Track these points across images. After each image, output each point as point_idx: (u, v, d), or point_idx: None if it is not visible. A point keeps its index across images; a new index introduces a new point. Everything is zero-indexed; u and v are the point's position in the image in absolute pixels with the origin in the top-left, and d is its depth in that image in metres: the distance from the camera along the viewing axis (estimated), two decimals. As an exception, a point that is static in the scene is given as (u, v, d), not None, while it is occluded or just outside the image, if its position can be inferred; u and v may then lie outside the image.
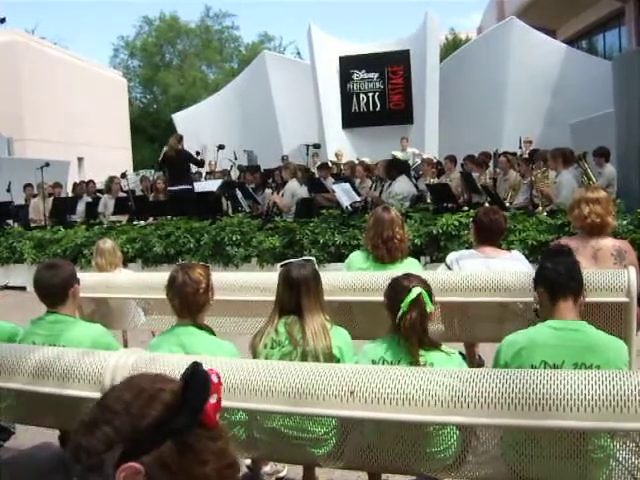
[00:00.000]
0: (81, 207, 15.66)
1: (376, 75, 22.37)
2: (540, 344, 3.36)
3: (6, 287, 13.00)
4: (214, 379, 1.39)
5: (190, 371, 1.39)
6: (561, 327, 3.37)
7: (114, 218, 14.48)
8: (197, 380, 1.37)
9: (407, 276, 3.76)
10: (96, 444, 1.34)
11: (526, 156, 14.43)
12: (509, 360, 3.36)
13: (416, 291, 3.52)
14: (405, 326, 3.49)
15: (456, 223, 10.02)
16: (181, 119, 26.81)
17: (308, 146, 16.28)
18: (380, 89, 22.39)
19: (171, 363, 3.37)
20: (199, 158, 14.67)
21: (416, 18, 30.50)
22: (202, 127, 24.06)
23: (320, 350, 3.76)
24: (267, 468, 4.54)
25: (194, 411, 1.34)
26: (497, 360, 3.49)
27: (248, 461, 4.52)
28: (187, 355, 3.71)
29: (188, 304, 3.90)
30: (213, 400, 1.37)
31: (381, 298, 3.86)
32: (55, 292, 4.21)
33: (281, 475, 4.63)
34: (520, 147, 15.98)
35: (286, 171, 13.62)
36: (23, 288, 12.40)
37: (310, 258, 4.30)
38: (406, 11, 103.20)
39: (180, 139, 13.95)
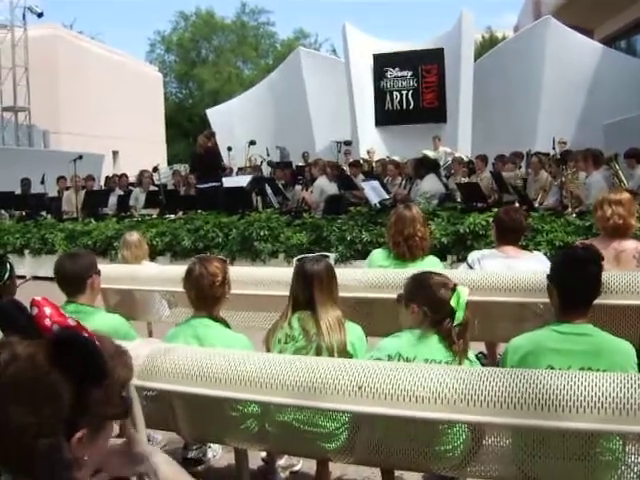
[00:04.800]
0: (113, 200, 15.80)
1: (410, 73, 22.32)
2: (546, 349, 3.31)
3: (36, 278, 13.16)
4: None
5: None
6: (568, 331, 3.32)
7: (145, 212, 14.59)
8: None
9: (436, 273, 3.80)
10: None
11: (558, 157, 14.31)
12: (515, 365, 3.31)
13: (465, 290, 3.54)
14: (462, 327, 3.51)
15: (483, 222, 9.97)
16: (215, 114, 26.90)
17: (339, 143, 16.29)
18: (414, 87, 22.34)
19: (186, 354, 3.42)
20: (229, 158, 14.69)
21: (451, 16, 30.37)
22: (235, 123, 24.16)
23: (335, 344, 3.77)
24: (281, 461, 4.57)
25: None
26: (503, 364, 3.46)
27: (263, 454, 4.55)
28: (202, 347, 3.75)
29: (204, 296, 3.96)
30: (33, 312, 1.48)
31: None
32: (73, 281, 4.27)
33: (295, 469, 4.65)
34: (553, 148, 15.86)
35: (315, 168, 13.66)
36: (53, 279, 12.51)
37: (327, 254, 4.33)
38: (441, 9, 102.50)
39: (210, 136, 14.00)
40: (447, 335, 3.50)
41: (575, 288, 3.39)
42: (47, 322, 1.47)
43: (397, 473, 4.05)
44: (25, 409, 1.38)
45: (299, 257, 4.22)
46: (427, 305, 3.57)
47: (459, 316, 3.49)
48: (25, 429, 1.37)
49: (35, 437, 1.38)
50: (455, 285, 3.60)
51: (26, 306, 1.54)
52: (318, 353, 3.75)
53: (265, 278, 5.38)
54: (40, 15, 28.68)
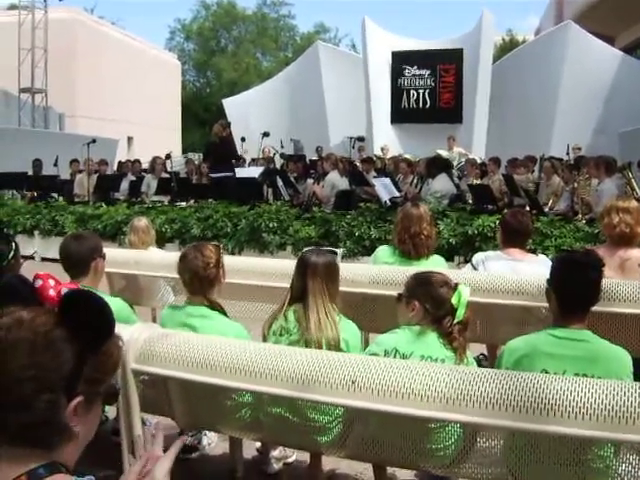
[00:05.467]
0: (125, 185, 15.79)
1: (428, 72, 22.31)
2: (541, 353, 3.30)
3: (34, 257, 13.25)
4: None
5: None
6: (564, 336, 3.31)
7: (156, 198, 14.60)
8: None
9: (438, 272, 3.81)
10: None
11: (572, 162, 14.27)
12: (510, 367, 3.31)
13: (466, 290, 3.55)
14: (462, 325, 3.52)
15: (492, 225, 9.93)
16: (231, 104, 26.93)
17: (352, 139, 16.26)
18: (431, 86, 22.33)
19: (184, 340, 3.43)
20: (242, 148, 14.68)
21: (472, 17, 30.23)
22: (251, 114, 24.16)
23: (324, 341, 3.75)
24: (275, 452, 4.57)
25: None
26: (499, 365, 3.46)
27: (258, 444, 4.57)
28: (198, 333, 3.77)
29: (199, 278, 3.98)
30: (37, 284, 1.56)
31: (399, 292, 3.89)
32: (77, 263, 4.27)
33: (289, 460, 4.66)
34: (568, 153, 15.80)
35: (327, 162, 13.64)
36: (61, 260, 12.55)
37: (335, 250, 4.32)
38: (463, 9, 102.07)
39: (226, 126, 14.00)
40: (447, 332, 3.52)
41: (573, 292, 3.38)
42: (51, 292, 1.53)
43: (389, 470, 4.06)
44: (25, 363, 1.42)
45: (307, 249, 4.22)
46: (429, 302, 3.59)
47: (459, 314, 3.50)
48: (25, 382, 1.41)
49: (36, 391, 1.42)
50: (457, 284, 3.61)
51: (29, 279, 1.59)
52: (307, 347, 3.74)
53: (273, 269, 5.39)
54: (61, -2, 28.76)
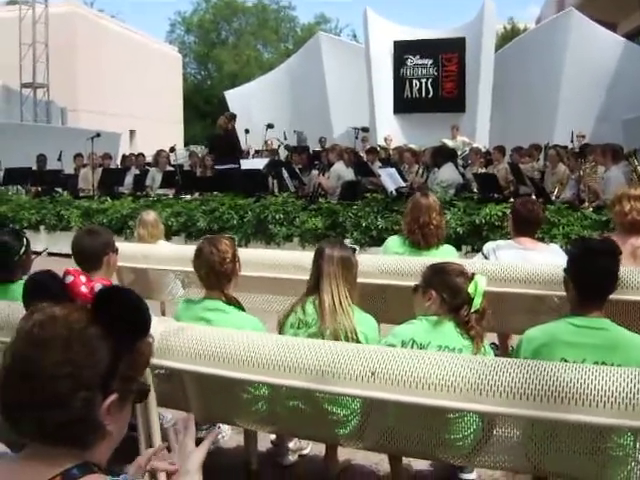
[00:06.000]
0: (129, 179, 15.78)
1: (430, 61, 22.20)
2: (560, 342, 3.29)
3: (43, 253, 13.22)
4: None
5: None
6: (583, 324, 3.30)
7: (161, 191, 14.60)
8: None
9: (454, 263, 3.82)
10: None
11: (577, 150, 14.23)
12: (529, 356, 3.29)
13: (483, 279, 3.55)
14: (479, 314, 3.52)
15: (500, 214, 9.92)
16: (233, 97, 26.86)
17: (356, 129, 16.23)
18: (433, 76, 22.23)
19: (200, 334, 3.42)
20: (246, 141, 14.64)
21: (473, 5, 30.12)
22: (253, 106, 24.08)
23: (341, 331, 3.73)
24: (291, 444, 4.57)
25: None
26: (517, 355, 3.45)
27: (273, 436, 4.56)
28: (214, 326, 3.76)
29: (215, 273, 3.95)
30: (67, 281, 1.56)
31: (415, 283, 3.89)
32: (90, 258, 4.26)
33: (304, 452, 4.66)
34: (572, 141, 15.74)
35: (333, 153, 13.63)
36: (69, 255, 12.57)
37: (354, 247, 4.31)
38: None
39: (231, 118, 13.96)
40: (464, 322, 3.51)
41: (591, 281, 3.36)
42: (83, 289, 1.51)
43: (405, 461, 4.06)
44: (60, 360, 1.40)
45: (324, 241, 4.23)
46: (445, 291, 3.59)
47: (476, 303, 3.50)
48: (60, 380, 1.40)
49: (72, 389, 1.40)
50: (473, 274, 3.62)
51: (59, 275, 1.58)
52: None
53: (281, 261, 5.39)
54: (62, -8, 28.71)
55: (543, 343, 3.33)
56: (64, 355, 1.41)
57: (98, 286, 1.52)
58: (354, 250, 4.16)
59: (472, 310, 3.52)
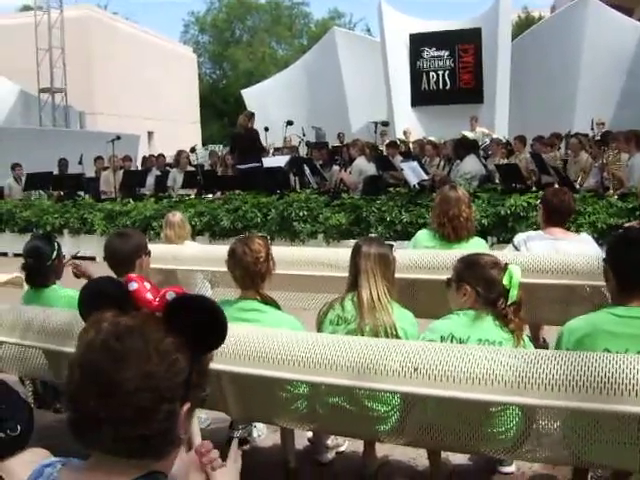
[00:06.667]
0: (150, 180, 15.83)
1: (447, 53, 22.17)
2: (603, 332, 3.24)
3: (76, 257, 13.27)
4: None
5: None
6: (625, 314, 3.25)
7: (182, 192, 14.65)
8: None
9: (486, 254, 3.78)
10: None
11: (598, 138, 14.14)
12: (571, 347, 3.26)
13: (517, 270, 3.51)
14: (517, 306, 3.50)
15: (524, 204, 9.89)
16: (250, 95, 26.94)
17: (376, 123, 16.17)
18: (450, 67, 22.18)
19: (237, 334, 3.41)
20: (266, 139, 14.65)
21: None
22: (271, 103, 24.12)
23: (380, 328, 3.72)
24: (328, 441, 4.57)
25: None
26: (558, 346, 3.41)
27: (309, 434, 4.56)
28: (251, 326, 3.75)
29: (250, 273, 3.93)
30: (132, 288, 1.52)
31: (447, 276, 3.86)
32: (122, 261, 4.26)
33: (341, 449, 4.65)
34: (592, 129, 15.66)
35: (354, 148, 13.61)
36: (93, 258, 12.63)
37: (392, 243, 4.30)
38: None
39: (250, 117, 13.96)
40: (502, 315, 3.48)
41: (631, 270, 3.33)
42: (149, 296, 1.49)
43: (443, 454, 4.05)
44: (141, 373, 1.38)
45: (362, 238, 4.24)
46: (480, 285, 3.56)
47: (512, 295, 3.46)
48: (142, 393, 1.37)
49: (155, 403, 1.39)
50: (506, 264, 3.58)
51: (121, 282, 1.56)
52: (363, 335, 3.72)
53: (313, 258, 5.39)
54: (75, -4, 28.85)
55: (586, 334, 3.29)
56: (145, 368, 1.38)
57: (171, 294, 1.49)
58: (391, 247, 4.14)
59: (509, 302, 3.48)
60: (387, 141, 16.92)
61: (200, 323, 1.46)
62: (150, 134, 37.54)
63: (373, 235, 9.89)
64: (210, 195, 13.82)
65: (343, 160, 14.69)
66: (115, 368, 1.37)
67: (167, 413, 1.40)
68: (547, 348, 5.74)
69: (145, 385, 1.37)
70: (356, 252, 3.97)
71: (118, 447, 1.40)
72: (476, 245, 5.33)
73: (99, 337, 1.42)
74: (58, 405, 4.84)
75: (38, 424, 2.94)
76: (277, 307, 4.08)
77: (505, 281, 3.49)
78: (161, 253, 6.10)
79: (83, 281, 4.39)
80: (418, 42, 22.37)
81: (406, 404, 3.36)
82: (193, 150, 16.41)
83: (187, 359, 1.44)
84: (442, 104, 21.65)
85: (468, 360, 2.92)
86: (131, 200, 14.07)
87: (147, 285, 1.52)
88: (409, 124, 21.02)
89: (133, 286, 1.51)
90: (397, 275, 4.38)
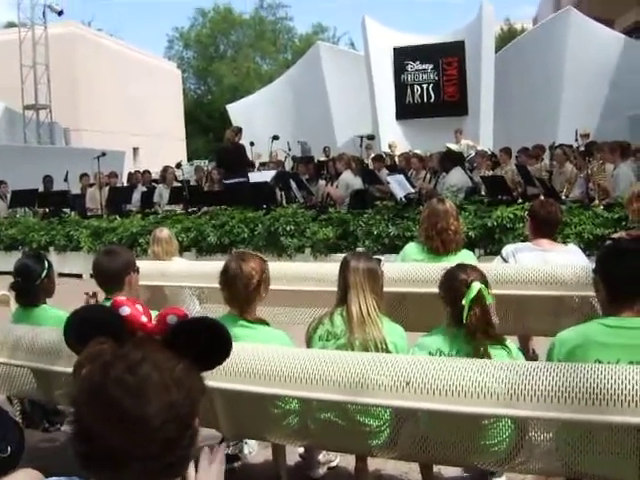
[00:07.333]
0: (136, 196, 15.84)
1: (430, 66, 22.26)
2: (594, 342, 3.23)
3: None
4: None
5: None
6: (615, 325, 3.24)
7: (169, 208, 14.63)
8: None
9: (464, 268, 3.74)
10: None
11: (582, 149, 14.21)
12: (562, 358, 3.25)
13: (476, 287, 3.48)
14: (471, 322, 3.47)
15: (511, 216, 9.94)
16: (235, 110, 26.94)
17: (362, 137, 16.21)
18: (434, 80, 22.27)
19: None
20: (252, 153, 14.65)
21: (471, 9, 30.12)
22: (256, 118, 24.12)
23: (370, 342, 3.71)
24: (320, 457, 4.55)
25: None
26: (550, 357, 3.40)
27: (301, 449, 4.54)
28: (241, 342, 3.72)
29: (238, 297, 3.90)
30: (124, 313, 1.51)
31: (435, 290, 3.86)
32: (111, 278, 4.24)
33: (333, 464, 4.63)
34: (576, 140, 15.72)
35: (340, 162, 13.63)
36: (79, 276, 12.61)
37: (380, 257, 4.31)
38: (461, 2, 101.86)
39: (238, 132, 13.96)
40: (470, 331, 3.49)
41: (621, 281, 3.33)
42: (143, 319, 1.46)
43: (435, 468, 4.04)
44: (164, 407, 1.36)
45: (349, 253, 4.22)
46: (446, 302, 3.64)
47: (464, 314, 3.46)
48: (168, 426, 1.36)
49: (180, 431, 1.38)
50: (471, 281, 3.55)
51: (110, 307, 1.54)
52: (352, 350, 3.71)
53: (300, 273, 5.38)
54: (60, 13, 28.79)
55: (577, 344, 3.28)
56: (166, 400, 1.36)
57: (172, 318, 1.47)
58: (379, 261, 4.14)
59: (464, 319, 3.48)
60: (373, 155, 16.96)
61: (204, 343, 1.44)
62: (135, 150, 37.46)
63: (361, 249, 9.91)
64: (197, 210, 13.81)
65: (329, 174, 14.71)
66: (137, 404, 1.34)
67: (190, 438, 1.41)
68: (537, 359, 5.76)
69: (170, 416, 1.36)
70: (344, 267, 3.96)
71: (142, 477, 1.39)
72: (464, 257, 5.31)
73: (113, 372, 1.37)
74: (47, 424, 4.82)
75: (27, 444, 2.92)
76: (265, 324, 4.06)
77: (464, 301, 3.48)
78: (148, 270, 6.06)
79: (66, 299, 4.38)
80: (402, 55, 22.46)
81: (398, 418, 3.35)
82: (179, 166, 16.44)
83: (198, 380, 1.45)
84: (427, 117, 21.74)
85: (460, 373, 2.92)
86: (117, 217, 14.05)
87: (139, 307, 1.49)
88: (394, 137, 21.06)
89: (125, 311, 1.49)
90: (386, 289, 4.37)
